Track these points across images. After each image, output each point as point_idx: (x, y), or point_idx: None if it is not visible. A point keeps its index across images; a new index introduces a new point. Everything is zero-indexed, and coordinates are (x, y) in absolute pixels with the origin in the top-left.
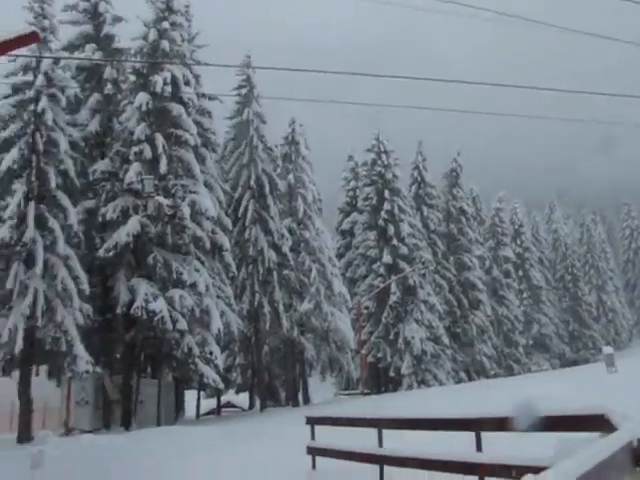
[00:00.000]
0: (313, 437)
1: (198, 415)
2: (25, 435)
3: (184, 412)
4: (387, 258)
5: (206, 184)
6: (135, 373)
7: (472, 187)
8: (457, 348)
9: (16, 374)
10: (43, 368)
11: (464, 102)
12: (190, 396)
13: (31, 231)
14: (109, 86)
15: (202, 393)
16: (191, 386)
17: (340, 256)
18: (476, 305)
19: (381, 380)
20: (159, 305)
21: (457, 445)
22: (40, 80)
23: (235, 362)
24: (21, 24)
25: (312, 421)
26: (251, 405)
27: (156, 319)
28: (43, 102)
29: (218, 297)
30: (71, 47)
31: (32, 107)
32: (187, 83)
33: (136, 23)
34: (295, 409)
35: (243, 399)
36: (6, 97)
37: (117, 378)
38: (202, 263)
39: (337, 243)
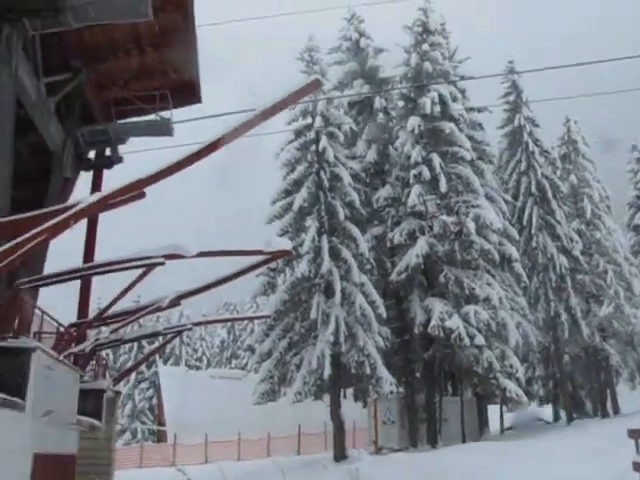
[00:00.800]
0: (638, 451)
1: (502, 430)
2: (340, 453)
3: (488, 428)
4: None
5: (487, 197)
6: (436, 391)
7: None
8: None
9: (326, 397)
10: (349, 391)
11: None
12: (492, 410)
13: (327, 263)
14: (380, 116)
15: (504, 407)
16: (493, 401)
17: (635, 253)
18: None
19: None
20: (455, 322)
21: None
22: (318, 121)
23: (535, 374)
24: (294, 73)
25: (636, 434)
26: (556, 417)
27: (453, 336)
28: (323, 141)
29: (512, 309)
30: (341, 86)
31: (314, 147)
32: (454, 100)
33: (396, 51)
34: (605, 420)
35: (546, 411)
36: (290, 142)
37: (419, 397)
38: (493, 276)
39: (630, 240)
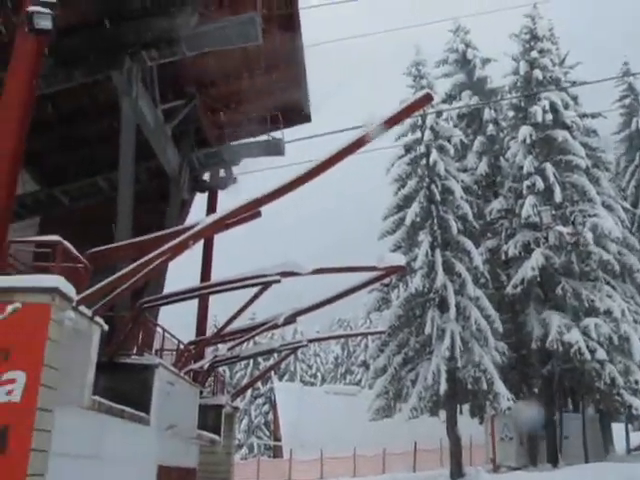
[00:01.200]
0: None
1: (629, 450)
2: (456, 471)
3: (613, 447)
4: None
5: (604, 205)
6: (556, 408)
7: None
8: None
9: (442, 413)
10: (465, 407)
11: None
12: (617, 429)
13: (441, 277)
14: (490, 127)
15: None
16: (617, 419)
17: None
18: None
19: None
20: (574, 336)
21: None
22: (427, 135)
23: None
24: (402, 88)
25: None
26: None
27: (572, 350)
28: (433, 155)
29: (635, 322)
30: (449, 98)
31: (424, 161)
32: (566, 107)
33: (504, 60)
34: None
35: None
36: (400, 157)
37: (538, 413)
38: (613, 288)
39: None
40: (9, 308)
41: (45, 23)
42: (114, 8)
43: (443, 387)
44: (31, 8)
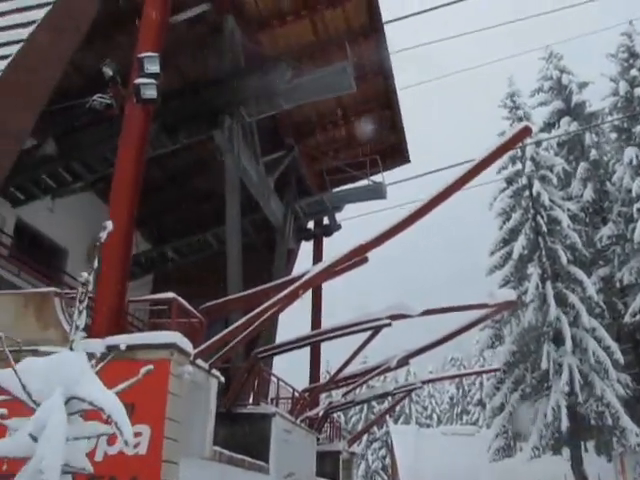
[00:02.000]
0: None
1: None
2: None
3: None
4: None
5: None
6: None
7: None
8: None
9: (565, 451)
10: (590, 443)
11: None
12: None
13: (554, 310)
14: (593, 152)
15: None
16: None
17: None
18: None
19: None
20: None
21: None
22: (528, 166)
23: None
24: (498, 121)
25: None
26: None
27: None
28: (536, 186)
29: None
30: (547, 126)
31: (527, 193)
32: None
33: (602, 81)
34: None
35: None
36: (502, 190)
37: None
38: None
39: None
40: (143, 370)
41: (151, 92)
42: (211, 70)
43: (564, 424)
44: (138, 80)
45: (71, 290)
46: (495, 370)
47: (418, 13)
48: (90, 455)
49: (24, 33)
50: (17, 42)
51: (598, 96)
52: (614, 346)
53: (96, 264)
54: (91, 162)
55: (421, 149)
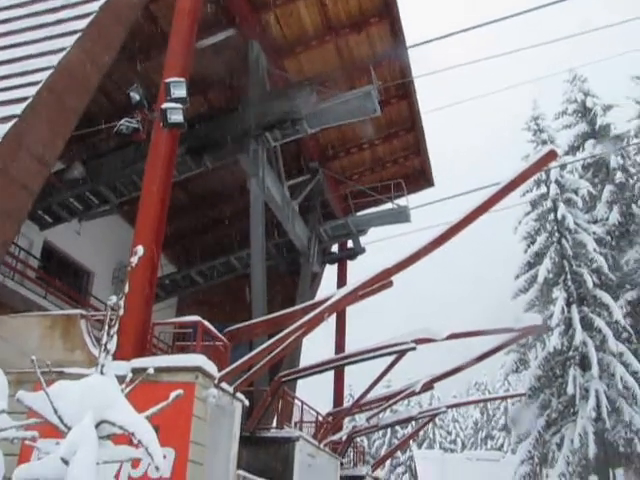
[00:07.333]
0: None
1: None
2: None
3: None
4: None
5: None
6: None
7: None
8: None
9: (592, 479)
10: (619, 471)
11: None
12: None
13: (580, 334)
14: (619, 174)
15: None
16: None
17: None
18: None
19: None
20: None
21: None
22: (553, 189)
23: None
24: (522, 144)
25: None
26: None
27: None
28: (561, 209)
29: None
30: (572, 149)
31: (552, 216)
32: None
33: (627, 104)
34: None
35: None
36: (527, 214)
37: None
38: None
39: None
40: (173, 394)
41: (177, 117)
42: (237, 95)
43: (592, 450)
44: (165, 105)
45: (97, 312)
46: (520, 395)
47: (439, 38)
48: (115, 478)
49: (54, 60)
50: (47, 69)
51: (624, 118)
52: None
53: (127, 288)
54: (117, 185)
55: (444, 172)
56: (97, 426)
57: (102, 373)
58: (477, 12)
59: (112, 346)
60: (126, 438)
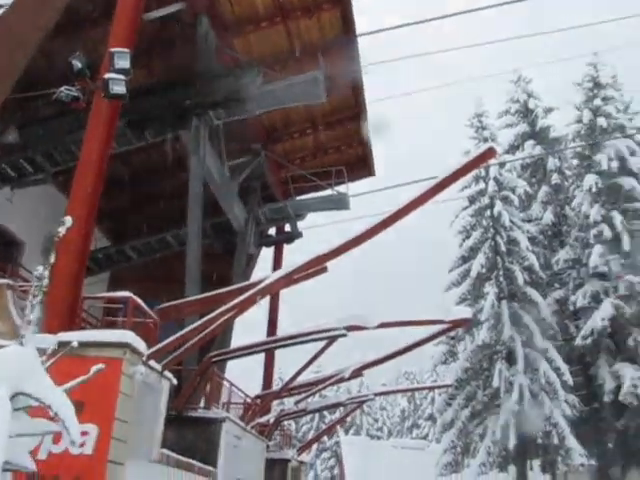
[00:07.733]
0: None
1: None
2: None
3: None
4: None
5: None
6: (634, 463)
7: None
8: None
9: (512, 469)
10: (536, 462)
11: None
12: None
13: (508, 329)
14: (555, 176)
15: None
16: None
17: None
18: None
19: None
20: None
21: None
22: (491, 186)
23: None
24: (464, 139)
25: None
26: None
27: None
28: (498, 206)
29: None
30: (512, 148)
31: (488, 212)
32: (633, 154)
33: (566, 109)
34: None
35: None
36: (464, 209)
37: (615, 470)
38: None
39: None
40: (93, 369)
41: (119, 89)
42: (182, 71)
43: (512, 442)
44: (107, 75)
45: (25, 283)
46: (447, 386)
47: (391, 28)
48: (33, 453)
49: None
50: None
51: (563, 122)
52: (564, 367)
53: (52, 259)
54: (53, 154)
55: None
56: (12, 398)
57: (22, 344)
58: (435, 3)
59: (34, 317)
60: (45, 412)
